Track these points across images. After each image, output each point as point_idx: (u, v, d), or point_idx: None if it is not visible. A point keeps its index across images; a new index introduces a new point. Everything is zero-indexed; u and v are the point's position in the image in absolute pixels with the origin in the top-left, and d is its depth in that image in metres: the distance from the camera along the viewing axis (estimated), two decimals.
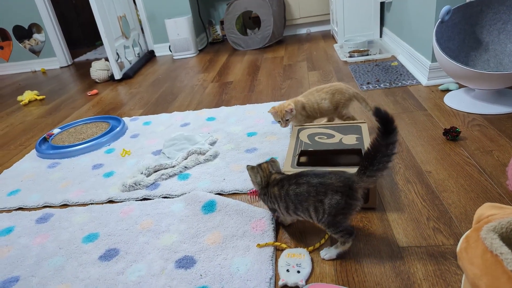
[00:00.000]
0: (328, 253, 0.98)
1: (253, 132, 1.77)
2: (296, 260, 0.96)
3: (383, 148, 0.84)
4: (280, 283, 0.92)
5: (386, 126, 0.83)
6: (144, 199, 1.38)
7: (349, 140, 1.31)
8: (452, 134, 1.44)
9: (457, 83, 1.91)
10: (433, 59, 1.95)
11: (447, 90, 1.90)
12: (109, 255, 1.11)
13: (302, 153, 1.29)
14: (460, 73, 1.61)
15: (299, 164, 1.22)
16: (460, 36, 1.79)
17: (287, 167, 1.19)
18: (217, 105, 2.22)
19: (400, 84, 2.09)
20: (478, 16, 1.75)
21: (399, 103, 1.86)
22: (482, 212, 0.71)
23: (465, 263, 0.68)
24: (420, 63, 2.11)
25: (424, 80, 2.04)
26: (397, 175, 1.29)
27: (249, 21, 3.72)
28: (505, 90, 1.74)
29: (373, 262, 0.95)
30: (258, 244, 1.04)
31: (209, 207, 1.24)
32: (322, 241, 1.02)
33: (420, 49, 2.14)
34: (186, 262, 1.04)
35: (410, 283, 0.87)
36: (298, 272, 0.93)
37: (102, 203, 1.39)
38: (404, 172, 1.30)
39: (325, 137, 1.35)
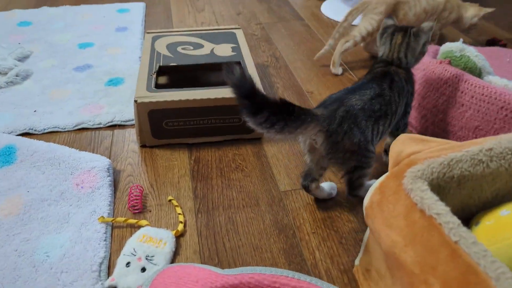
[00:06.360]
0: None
1: (89, 43, 1.28)
2: (150, 249, 0.61)
3: None
4: (107, 283, 0.57)
5: None
6: None
7: (224, 51, 1.01)
8: None
9: None
10: None
11: None
12: None
13: (162, 70, 0.93)
14: None
15: (159, 86, 0.87)
16: None
17: (141, 91, 0.82)
18: (37, 5, 1.58)
19: None
20: None
21: (274, 11, 1.58)
22: (401, 148, 0.50)
23: (378, 224, 0.47)
24: None
25: None
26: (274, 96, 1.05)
27: None
28: None
29: (249, 217, 0.70)
30: (102, 218, 0.67)
31: (4, 156, 0.79)
32: (181, 218, 0.72)
33: None
34: None
35: (297, 241, 0.66)
36: (143, 270, 0.58)
37: None
38: (283, 93, 1.06)
39: (191, 48, 1.03)
